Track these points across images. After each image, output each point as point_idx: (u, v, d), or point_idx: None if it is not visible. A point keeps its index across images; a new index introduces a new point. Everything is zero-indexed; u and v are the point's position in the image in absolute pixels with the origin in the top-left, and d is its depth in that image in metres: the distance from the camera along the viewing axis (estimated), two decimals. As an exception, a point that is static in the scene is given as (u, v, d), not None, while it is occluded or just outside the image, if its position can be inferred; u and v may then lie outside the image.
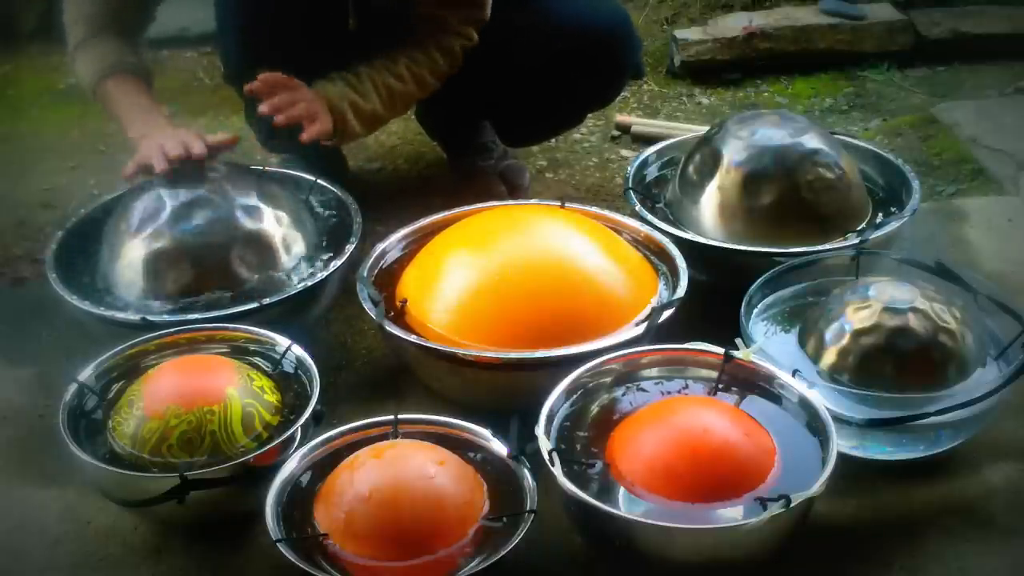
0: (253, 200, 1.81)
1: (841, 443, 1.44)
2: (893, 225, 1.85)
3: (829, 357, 1.59)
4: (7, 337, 1.95)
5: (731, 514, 1.36)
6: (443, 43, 2.05)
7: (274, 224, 1.81)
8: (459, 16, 2.04)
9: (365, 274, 1.80)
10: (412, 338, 1.67)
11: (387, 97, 2.01)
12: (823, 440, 1.44)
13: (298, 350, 1.65)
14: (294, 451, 1.49)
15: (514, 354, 1.62)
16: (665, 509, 1.37)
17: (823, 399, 1.49)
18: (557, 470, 1.39)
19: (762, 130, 1.90)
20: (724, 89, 2.92)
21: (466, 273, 1.74)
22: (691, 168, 1.95)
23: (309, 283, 1.77)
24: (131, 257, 1.77)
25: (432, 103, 2.21)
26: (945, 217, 2.19)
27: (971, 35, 2.98)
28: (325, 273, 1.79)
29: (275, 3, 1.97)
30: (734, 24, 2.99)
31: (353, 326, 1.93)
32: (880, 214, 1.93)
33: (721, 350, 1.58)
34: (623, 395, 1.58)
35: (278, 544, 1.35)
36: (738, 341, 1.60)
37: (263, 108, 1.88)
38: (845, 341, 1.58)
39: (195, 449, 1.48)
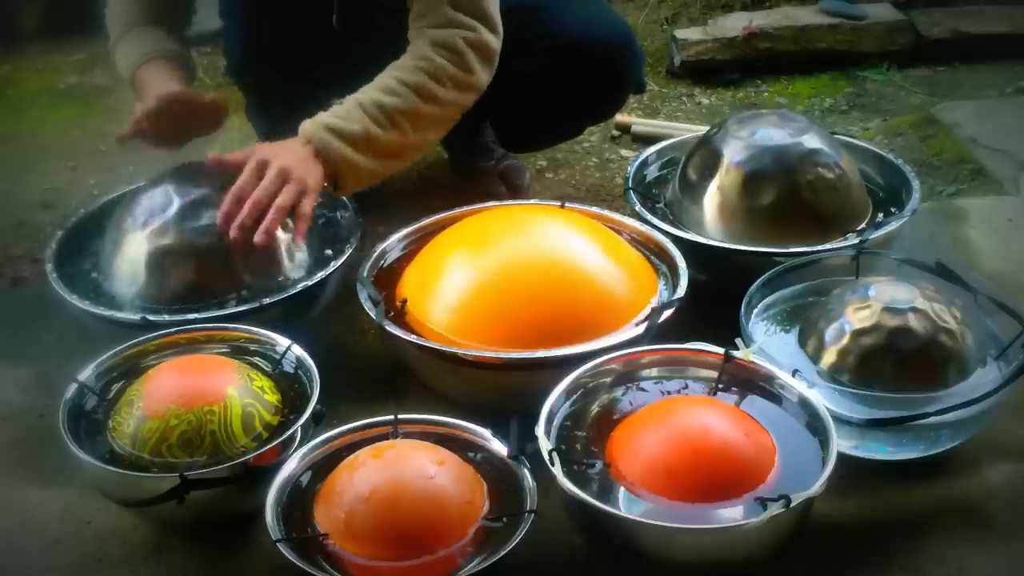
0: None
1: (841, 443, 1.44)
2: (893, 225, 1.84)
3: (829, 357, 1.59)
4: (7, 337, 1.95)
5: (731, 514, 1.36)
6: (437, 38, 1.83)
7: (280, 232, 1.80)
8: (446, 0, 1.84)
9: (365, 274, 1.80)
10: (412, 338, 1.67)
11: (383, 117, 1.78)
12: (823, 440, 1.44)
13: (298, 350, 1.65)
14: (294, 451, 1.49)
15: (514, 354, 1.62)
16: (665, 509, 1.37)
17: (823, 399, 1.49)
18: (557, 470, 1.39)
19: (762, 130, 1.90)
20: (724, 89, 2.92)
21: (466, 273, 1.74)
22: (691, 168, 1.95)
23: (309, 283, 1.77)
24: (134, 254, 1.77)
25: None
26: (945, 217, 2.19)
27: (971, 35, 2.98)
28: (325, 273, 1.79)
29: None
30: (734, 24, 2.99)
31: (353, 326, 1.93)
32: (880, 214, 1.93)
33: (721, 350, 1.58)
34: (623, 395, 1.58)
35: (278, 544, 1.35)
36: (738, 341, 1.60)
37: (233, 235, 1.68)
38: (845, 341, 1.58)
39: (195, 449, 1.48)
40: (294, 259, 1.82)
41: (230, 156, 1.78)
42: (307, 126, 1.78)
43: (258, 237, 1.67)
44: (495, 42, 1.89)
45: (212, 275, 1.76)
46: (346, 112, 1.79)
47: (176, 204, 1.77)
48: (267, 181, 1.70)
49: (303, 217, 1.71)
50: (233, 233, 1.68)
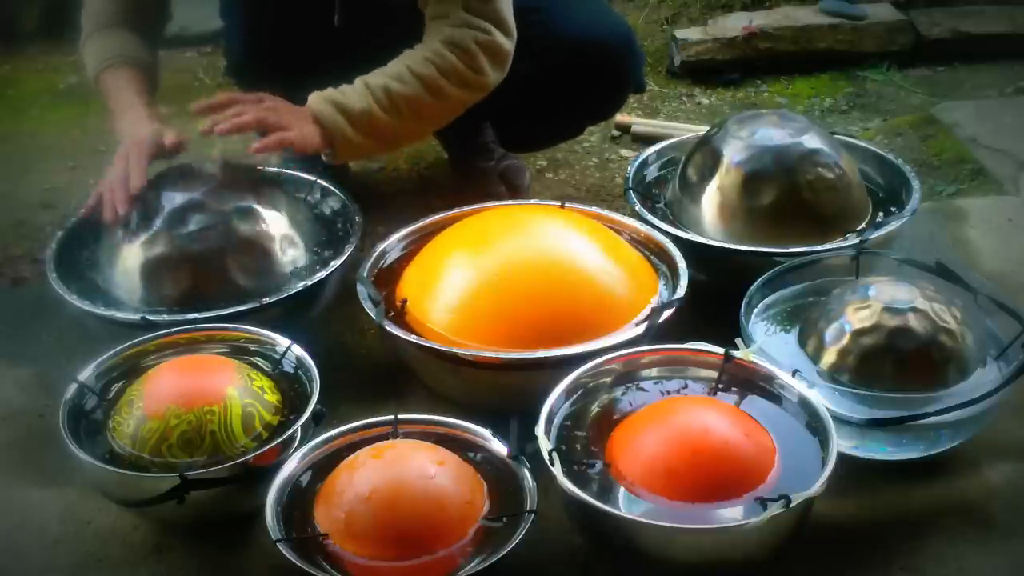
0: (250, 203, 1.80)
1: (841, 443, 1.44)
2: (893, 225, 1.84)
3: (829, 357, 1.59)
4: (7, 337, 1.95)
5: (731, 514, 1.36)
6: (450, 36, 1.88)
7: (271, 228, 1.81)
8: (460, 4, 1.89)
9: (365, 274, 1.80)
10: (412, 338, 1.67)
11: (386, 100, 1.85)
12: (823, 440, 1.44)
13: (298, 350, 1.65)
14: (294, 451, 1.49)
15: (514, 354, 1.62)
16: (665, 509, 1.37)
17: (823, 399, 1.49)
18: (557, 470, 1.39)
19: (762, 130, 1.90)
20: (724, 89, 2.92)
21: (466, 273, 1.74)
22: (691, 168, 1.95)
23: (309, 283, 1.77)
24: (128, 263, 1.77)
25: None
26: (945, 217, 2.19)
27: (971, 35, 2.98)
28: (325, 273, 1.79)
29: None
30: (734, 24, 2.99)
31: (353, 326, 1.93)
32: (880, 214, 1.93)
33: (721, 350, 1.58)
34: (623, 395, 1.58)
35: (278, 544, 1.35)
36: (738, 341, 1.60)
37: (203, 127, 1.80)
38: (845, 341, 1.58)
39: (195, 449, 1.48)
40: (287, 255, 1.81)
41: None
42: (313, 97, 1.86)
43: (220, 127, 1.79)
44: (508, 45, 1.93)
45: (207, 281, 1.75)
46: (352, 90, 1.86)
47: (166, 210, 1.76)
48: (262, 105, 1.84)
49: (275, 138, 1.81)
50: (205, 126, 1.80)
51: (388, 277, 1.84)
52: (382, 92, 1.85)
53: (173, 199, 1.78)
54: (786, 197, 1.86)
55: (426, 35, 1.92)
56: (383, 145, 1.97)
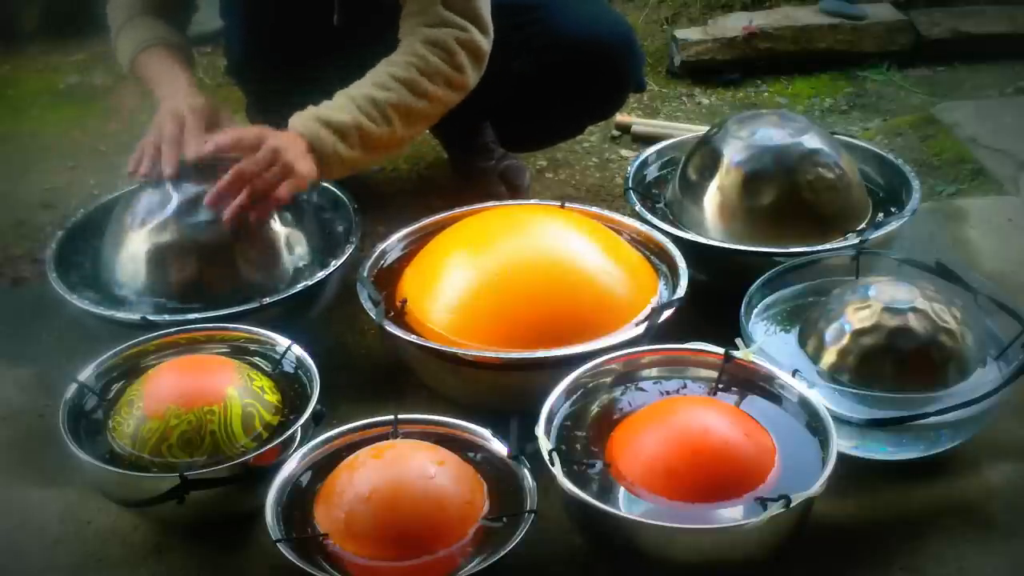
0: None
1: (841, 443, 1.44)
2: (893, 225, 1.84)
3: (829, 357, 1.59)
4: (7, 337, 1.95)
5: (731, 514, 1.36)
6: (430, 36, 1.86)
7: (279, 225, 1.81)
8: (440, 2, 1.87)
9: (365, 274, 1.80)
10: (412, 338, 1.67)
11: (373, 109, 1.80)
12: (823, 440, 1.44)
13: (298, 350, 1.65)
14: (294, 451, 1.49)
15: (514, 354, 1.62)
16: (665, 509, 1.37)
17: (823, 399, 1.49)
18: (557, 470, 1.39)
19: (762, 130, 1.90)
20: (724, 89, 2.92)
21: (466, 273, 1.74)
22: (691, 168, 1.95)
23: (309, 283, 1.77)
24: (134, 249, 1.77)
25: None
26: (945, 217, 2.19)
27: (971, 35, 2.98)
28: (325, 273, 1.79)
29: None
30: (734, 24, 3.00)
31: (353, 326, 1.93)
32: (880, 214, 1.93)
33: (721, 350, 1.58)
34: (623, 395, 1.58)
35: (278, 544, 1.35)
36: (738, 341, 1.60)
37: (207, 199, 1.73)
38: (845, 341, 1.58)
39: (195, 449, 1.48)
40: (294, 252, 1.82)
41: (222, 139, 1.79)
42: (296, 120, 1.80)
43: (224, 217, 1.72)
44: (486, 44, 1.91)
45: (213, 271, 1.76)
46: (336, 105, 1.81)
47: (175, 201, 1.76)
48: (258, 157, 1.72)
49: (276, 198, 1.74)
50: (226, 215, 1.72)
51: (388, 277, 1.84)
52: (368, 103, 1.81)
53: (183, 192, 1.77)
54: (786, 197, 1.86)
55: (404, 35, 1.89)
56: (374, 156, 1.90)
